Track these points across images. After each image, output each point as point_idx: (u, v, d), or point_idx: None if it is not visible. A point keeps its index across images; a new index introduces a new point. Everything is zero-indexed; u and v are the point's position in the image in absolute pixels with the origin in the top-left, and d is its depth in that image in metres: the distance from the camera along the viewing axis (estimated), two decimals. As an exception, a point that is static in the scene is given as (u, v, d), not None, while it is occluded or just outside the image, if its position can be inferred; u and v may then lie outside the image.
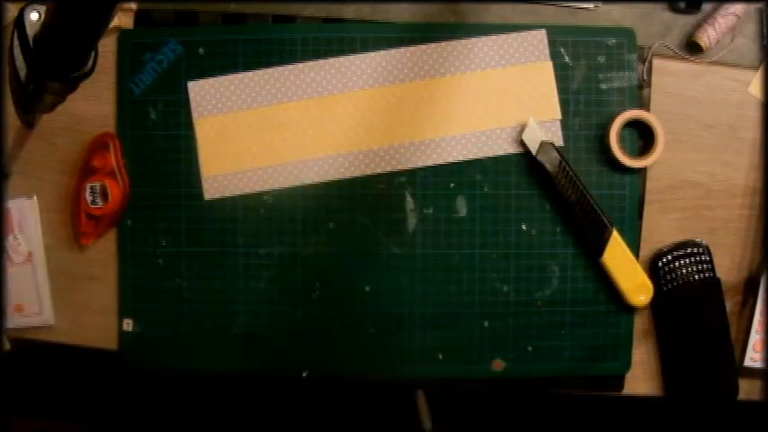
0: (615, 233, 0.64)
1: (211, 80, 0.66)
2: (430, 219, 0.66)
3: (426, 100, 0.66)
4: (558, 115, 0.66)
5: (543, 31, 0.66)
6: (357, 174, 0.66)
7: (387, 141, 0.66)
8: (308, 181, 0.66)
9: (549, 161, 0.64)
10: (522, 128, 0.65)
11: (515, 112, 0.66)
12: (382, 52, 0.66)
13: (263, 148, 0.66)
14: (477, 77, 0.66)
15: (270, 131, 0.66)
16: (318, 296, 0.67)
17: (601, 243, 0.64)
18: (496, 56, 0.66)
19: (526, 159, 0.66)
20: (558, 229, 0.66)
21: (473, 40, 0.66)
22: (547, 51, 0.66)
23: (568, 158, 0.65)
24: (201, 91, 0.66)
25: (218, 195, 0.66)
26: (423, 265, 0.66)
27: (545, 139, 0.64)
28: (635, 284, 0.65)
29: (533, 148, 0.64)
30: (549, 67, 0.66)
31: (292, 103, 0.66)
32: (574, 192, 0.64)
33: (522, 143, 0.65)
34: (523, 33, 0.66)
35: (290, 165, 0.66)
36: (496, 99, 0.66)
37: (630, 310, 0.66)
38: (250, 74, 0.66)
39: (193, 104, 0.66)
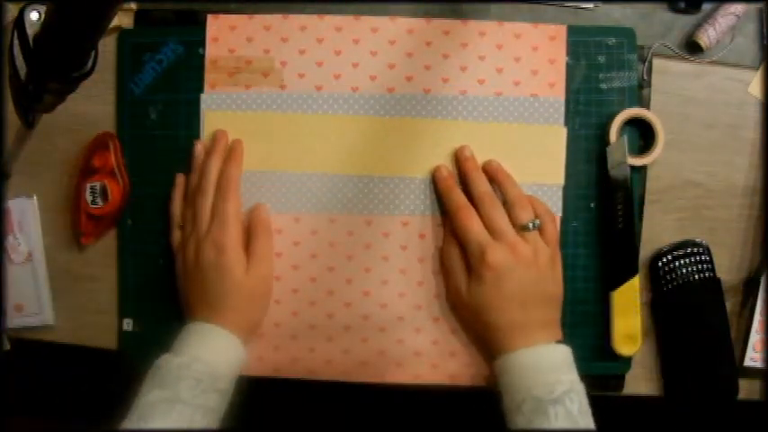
0: (637, 277, 0.64)
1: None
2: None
3: (430, 139, 0.65)
4: (561, 181, 0.65)
5: (561, 100, 0.65)
6: (352, 199, 0.66)
7: (386, 171, 0.65)
8: (303, 192, 0.66)
9: (619, 183, 0.64)
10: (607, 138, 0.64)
11: (515, 170, 0.65)
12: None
13: (269, 152, 0.66)
14: (485, 128, 0.65)
15: (277, 137, 0.66)
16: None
17: (620, 279, 0.64)
18: (511, 108, 0.65)
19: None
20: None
21: (491, 98, 0.65)
22: (562, 117, 0.65)
23: (568, 158, 0.66)
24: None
25: None
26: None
27: (625, 162, 0.63)
28: (627, 333, 0.64)
29: (611, 163, 0.64)
30: (562, 132, 0.65)
31: (306, 115, 0.65)
32: (625, 221, 0.64)
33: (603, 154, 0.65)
34: (541, 99, 0.65)
35: (290, 174, 0.66)
36: (502, 153, 0.65)
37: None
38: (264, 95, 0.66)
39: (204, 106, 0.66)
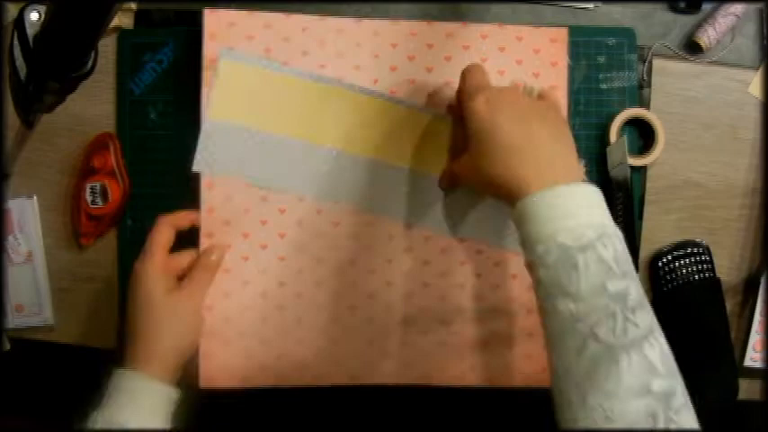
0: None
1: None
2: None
3: (430, 139, 0.65)
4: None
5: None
6: (356, 195, 0.65)
7: (395, 161, 0.65)
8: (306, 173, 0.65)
9: (619, 183, 0.64)
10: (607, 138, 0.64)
11: None
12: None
13: (278, 115, 0.64)
14: None
15: (289, 101, 0.64)
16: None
17: None
18: None
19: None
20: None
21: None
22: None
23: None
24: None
25: (212, 153, 0.64)
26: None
27: (625, 162, 0.63)
28: None
29: (611, 164, 0.64)
30: None
31: (320, 84, 0.64)
32: (625, 221, 0.64)
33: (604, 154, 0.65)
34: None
35: (296, 141, 0.64)
36: None
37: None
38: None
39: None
